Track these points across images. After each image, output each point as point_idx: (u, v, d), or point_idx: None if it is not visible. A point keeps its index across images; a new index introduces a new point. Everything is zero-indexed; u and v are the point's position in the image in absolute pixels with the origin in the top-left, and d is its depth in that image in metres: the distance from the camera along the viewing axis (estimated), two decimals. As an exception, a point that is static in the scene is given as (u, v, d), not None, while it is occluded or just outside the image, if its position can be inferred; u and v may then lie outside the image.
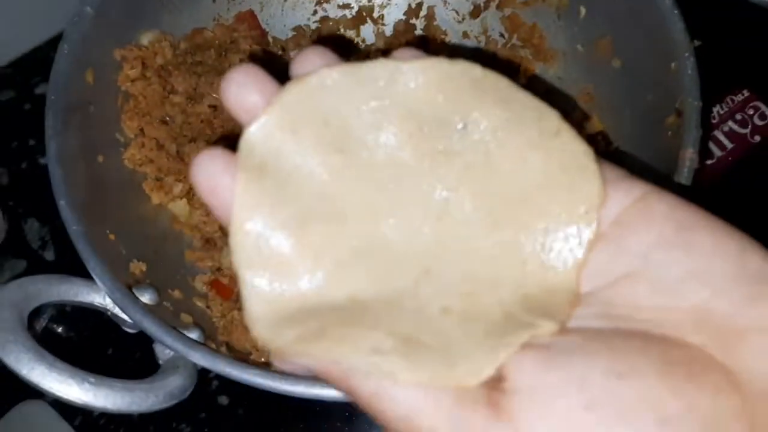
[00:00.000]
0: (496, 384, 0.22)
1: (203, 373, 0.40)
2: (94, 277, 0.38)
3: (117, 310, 0.39)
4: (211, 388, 0.57)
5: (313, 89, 0.26)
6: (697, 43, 0.41)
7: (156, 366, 0.41)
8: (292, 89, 0.26)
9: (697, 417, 0.20)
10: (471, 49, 0.55)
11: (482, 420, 0.21)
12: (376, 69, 0.26)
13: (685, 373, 0.21)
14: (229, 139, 0.51)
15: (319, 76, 0.26)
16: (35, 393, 0.55)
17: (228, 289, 0.46)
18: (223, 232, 0.48)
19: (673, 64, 0.40)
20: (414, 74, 0.26)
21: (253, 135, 0.25)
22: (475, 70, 0.26)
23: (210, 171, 0.25)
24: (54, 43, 0.67)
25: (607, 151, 0.46)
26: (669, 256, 0.23)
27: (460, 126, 0.26)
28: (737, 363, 0.21)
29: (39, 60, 0.68)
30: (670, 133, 0.40)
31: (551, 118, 0.26)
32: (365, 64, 0.26)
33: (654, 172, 0.39)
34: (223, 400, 0.57)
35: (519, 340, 0.23)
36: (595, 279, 0.24)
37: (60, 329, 0.58)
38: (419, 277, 0.25)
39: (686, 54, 0.40)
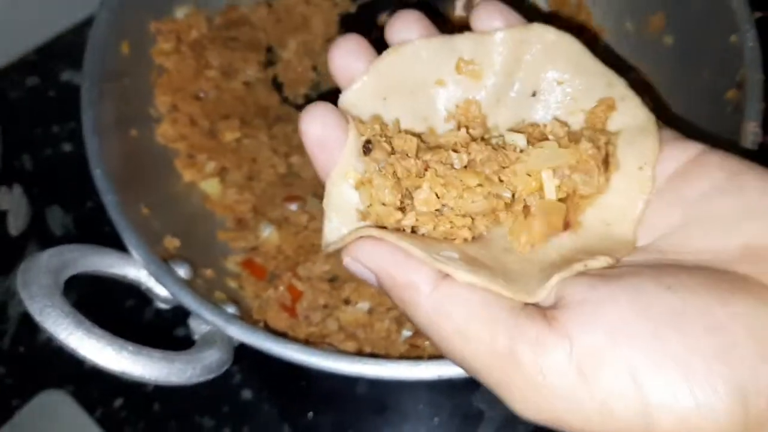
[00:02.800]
0: (551, 307, 0.23)
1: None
2: (129, 247, 0.37)
3: (152, 284, 0.37)
4: (234, 382, 0.55)
5: (407, 59, 0.28)
6: (757, 14, 0.39)
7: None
8: (387, 58, 0.28)
9: (743, 324, 0.21)
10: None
11: (536, 329, 0.22)
12: (465, 42, 0.28)
13: (731, 288, 0.22)
14: (264, 116, 0.50)
15: (415, 47, 0.28)
16: (56, 382, 0.55)
17: (262, 269, 0.44)
18: (256, 212, 0.47)
19: (732, 37, 0.39)
20: (494, 46, 0.28)
21: (347, 99, 0.28)
22: (548, 34, 0.28)
23: (325, 122, 0.27)
24: (79, 29, 0.67)
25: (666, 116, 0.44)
26: (722, 200, 0.24)
27: (532, 94, 0.28)
28: None
29: (64, 47, 0.67)
30: (729, 108, 0.39)
31: (619, 85, 0.27)
32: (455, 37, 0.28)
33: (716, 138, 0.38)
34: (247, 394, 0.55)
35: (572, 271, 0.24)
36: (652, 233, 0.26)
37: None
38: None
39: (747, 25, 0.38)
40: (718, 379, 0.21)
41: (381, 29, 0.55)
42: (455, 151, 0.26)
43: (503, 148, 0.26)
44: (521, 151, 0.26)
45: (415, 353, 0.41)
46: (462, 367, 0.24)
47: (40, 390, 0.54)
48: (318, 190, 0.49)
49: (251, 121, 0.48)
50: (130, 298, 0.56)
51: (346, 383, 0.51)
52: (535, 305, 0.24)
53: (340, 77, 0.28)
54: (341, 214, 0.27)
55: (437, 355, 0.40)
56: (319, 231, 0.45)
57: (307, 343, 0.40)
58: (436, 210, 0.25)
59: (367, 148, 0.26)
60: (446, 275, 0.24)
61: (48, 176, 0.62)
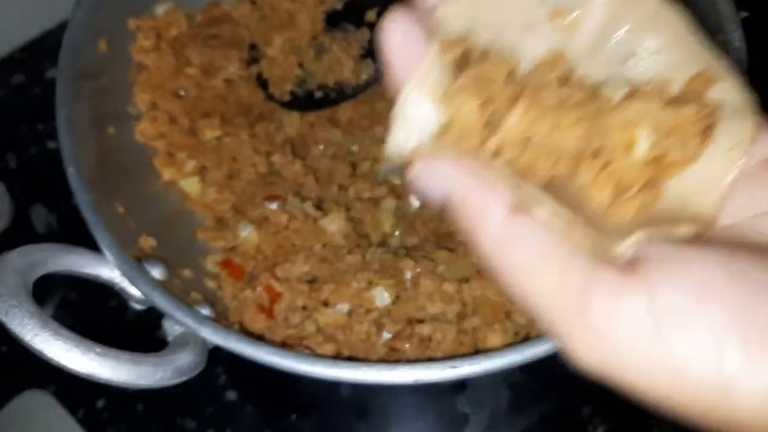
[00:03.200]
0: (630, 263, 0.22)
1: (210, 367, 0.38)
2: (102, 247, 0.36)
3: (125, 284, 0.36)
4: (219, 383, 0.55)
5: None
6: (743, 14, 0.39)
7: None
8: None
9: None
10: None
11: (613, 275, 0.21)
12: None
13: None
14: (245, 114, 0.49)
15: None
16: (38, 382, 0.55)
17: (241, 270, 0.44)
18: (237, 210, 0.46)
19: (718, 37, 0.38)
20: (594, 2, 0.26)
21: (444, 12, 0.25)
22: (653, 1, 0.26)
23: (406, 29, 0.24)
24: (65, 27, 0.66)
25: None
26: None
27: (626, 59, 0.26)
28: None
29: (50, 44, 0.66)
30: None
31: (717, 66, 0.26)
32: None
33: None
34: (231, 395, 0.54)
35: (655, 233, 0.22)
36: (736, 214, 0.24)
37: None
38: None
39: (733, 25, 0.38)
40: None
41: (369, 27, 0.54)
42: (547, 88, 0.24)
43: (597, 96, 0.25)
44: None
45: (394, 356, 0.40)
46: (522, 302, 0.23)
47: (22, 390, 0.54)
48: (299, 189, 0.48)
49: (232, 119, 0.47)
50: (113, 298, 0.56)
51: (330, 386, 0.51)
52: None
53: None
54: (412, 126, 0.25)
55: (416, 359, 0.40)
56: (298, 231, 0.45)
57: (285, 345, 0.40)
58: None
59: (457, 62, 0.24)
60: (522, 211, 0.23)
61: (32, 174, 0.62)
